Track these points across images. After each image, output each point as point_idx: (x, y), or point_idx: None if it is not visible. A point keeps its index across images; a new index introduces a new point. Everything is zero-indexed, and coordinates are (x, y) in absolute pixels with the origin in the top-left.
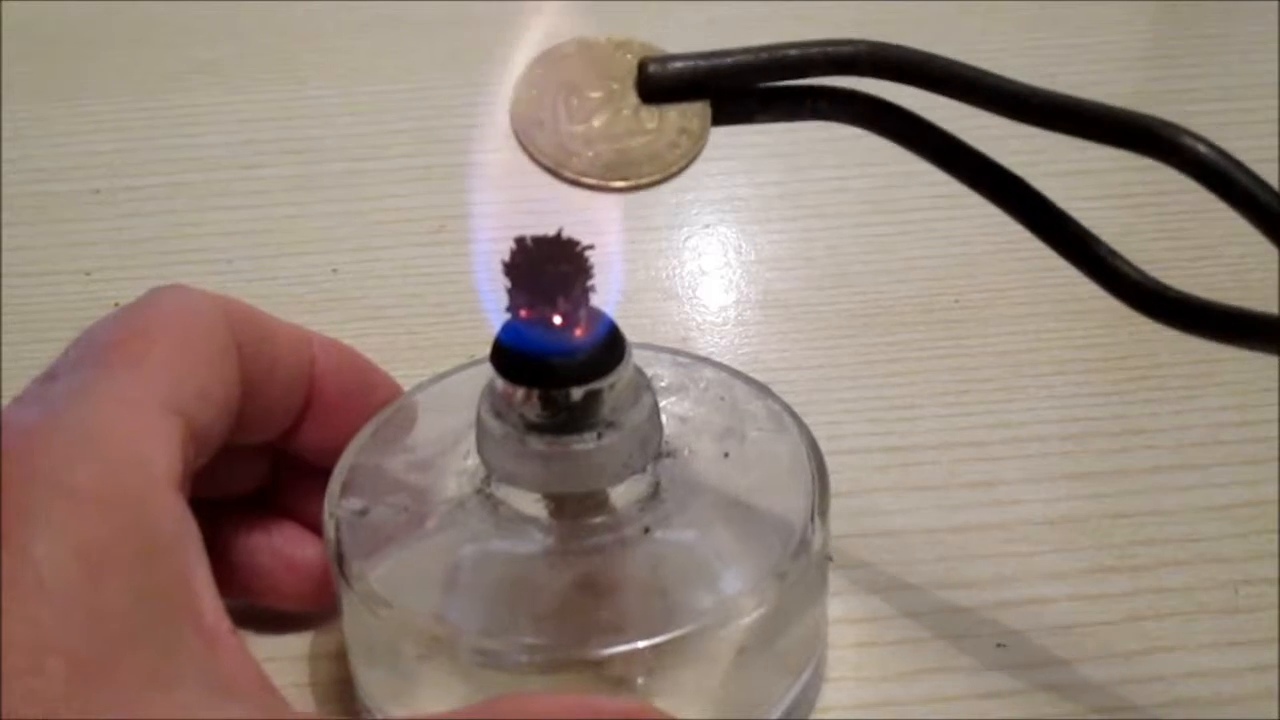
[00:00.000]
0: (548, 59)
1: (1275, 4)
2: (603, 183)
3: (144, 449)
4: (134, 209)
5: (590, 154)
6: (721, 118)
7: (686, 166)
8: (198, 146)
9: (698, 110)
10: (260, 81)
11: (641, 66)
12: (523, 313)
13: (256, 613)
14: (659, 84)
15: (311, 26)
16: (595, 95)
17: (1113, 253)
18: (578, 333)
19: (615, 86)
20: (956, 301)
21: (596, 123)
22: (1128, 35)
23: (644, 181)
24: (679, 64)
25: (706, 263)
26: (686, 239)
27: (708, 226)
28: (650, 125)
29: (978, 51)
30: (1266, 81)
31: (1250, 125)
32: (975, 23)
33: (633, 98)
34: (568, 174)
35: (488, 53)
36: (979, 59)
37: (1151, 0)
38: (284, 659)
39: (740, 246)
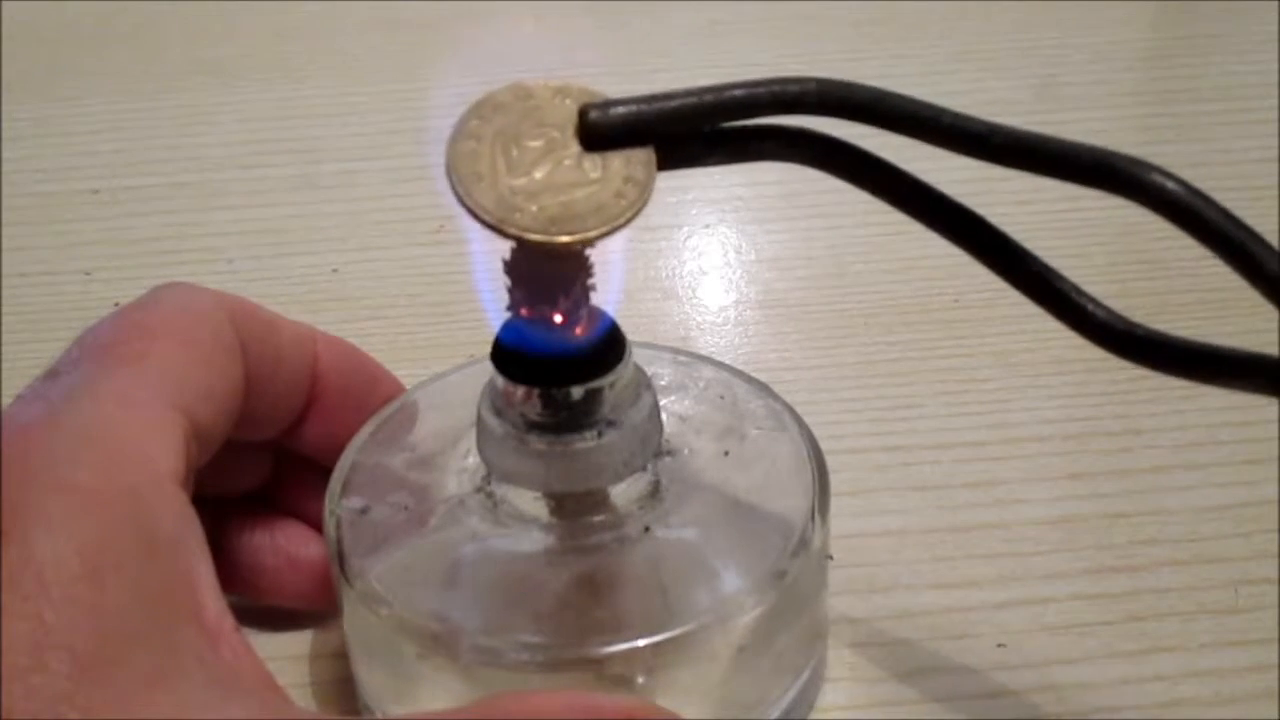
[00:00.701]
0: (484, 108)
1: (1275, 4)
2: (547, 238)
3: (146, 446)
4: (134, 209)
5: (534, 209)
6: (668, 162)
7: (634, 217)
8: (198, 146)
9: (642, 157)
10: (260, 81)
11: (582, 113)
12: (523, 311)
13: (257, 612)
14: (601, 131)
15: (311, 26)
16: (535, 145)
17: (1078, 290)
18: (578, 331)
19: (556, 134)
20: (956, 301)
21: (538, 175)
22: (1128, 35)
23: (591, 235)
24: (621, 109)
25: (706, 263)
26: (686, 239)
27: (708, 226)
28: (594, 174)
29: (978, 52)
30: (1266, 81)
31: (1250, 125)
32: (975, 23)
33: (574, 146)
34: (511, 230)
35: (488, 52)
36: (979, 59)
37: (1151, 0)
38: (285, 658)
39: (740, 246)
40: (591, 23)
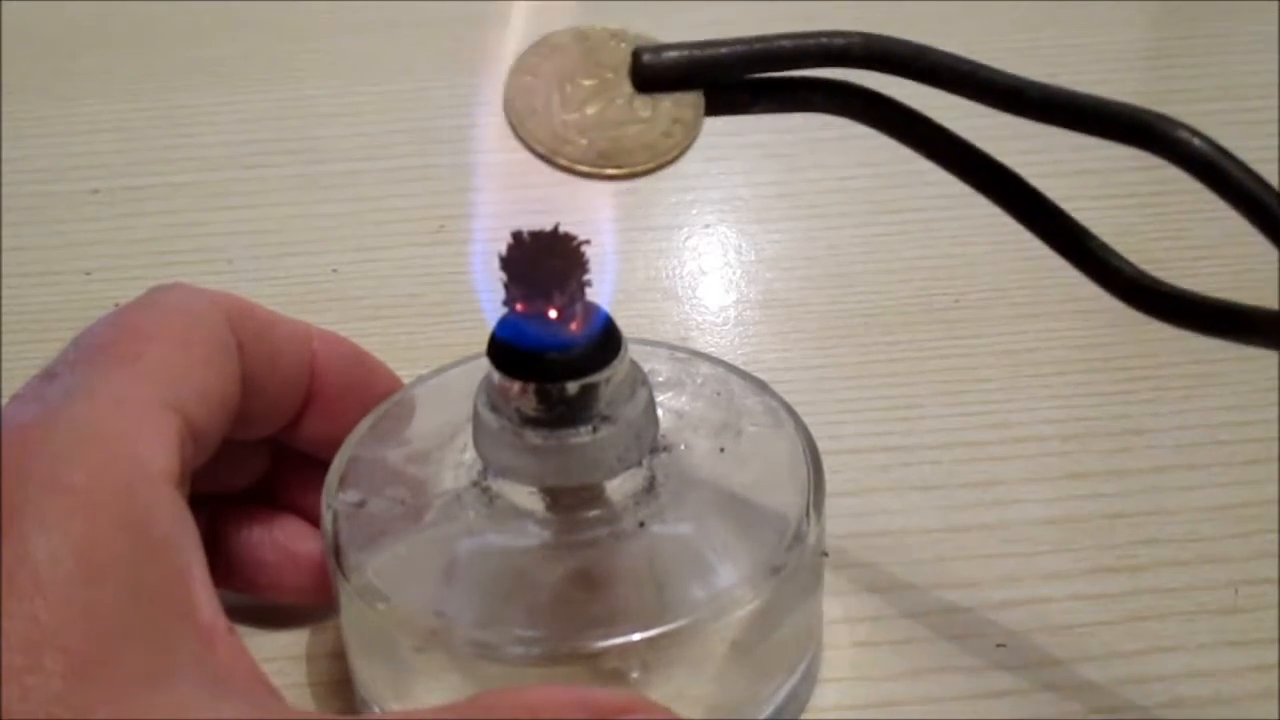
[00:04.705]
0: (542, 47)
1: (1275, 4)
2: (596, 170)
3: (141, 447)
4: (134, 209)
5: (584, 142)
6: (715, 108)
7: (680, 156)
8: (198, 146)
9: (691, 100)
10: (260, 81)
11: (636, 56)
12: (519, 307)
13: (255, 611)
14: (653, 73)
15: (311, 26)
16: (589, 83)
17: (1106, 248)
18: (573, 327)
19: (610, 75)
20: (956, 301)
21: (590, 111)
22: (1128, 35)
23: (638, 170)
24: (673, 54)
25: (706, 263)
26: (686, 239)
27: (708, 226)
28: (644, 114)
29: (978, 52)
30: (1266, 81)
31: (1250, 125)
32: (975, 23)
33: (627, 87)
34: (561, 161)
35: (487, 53)
36: (979, 59)
37: (1151, 0)
38: (282, 658)
39: (740, 246)
40: (592, 22)
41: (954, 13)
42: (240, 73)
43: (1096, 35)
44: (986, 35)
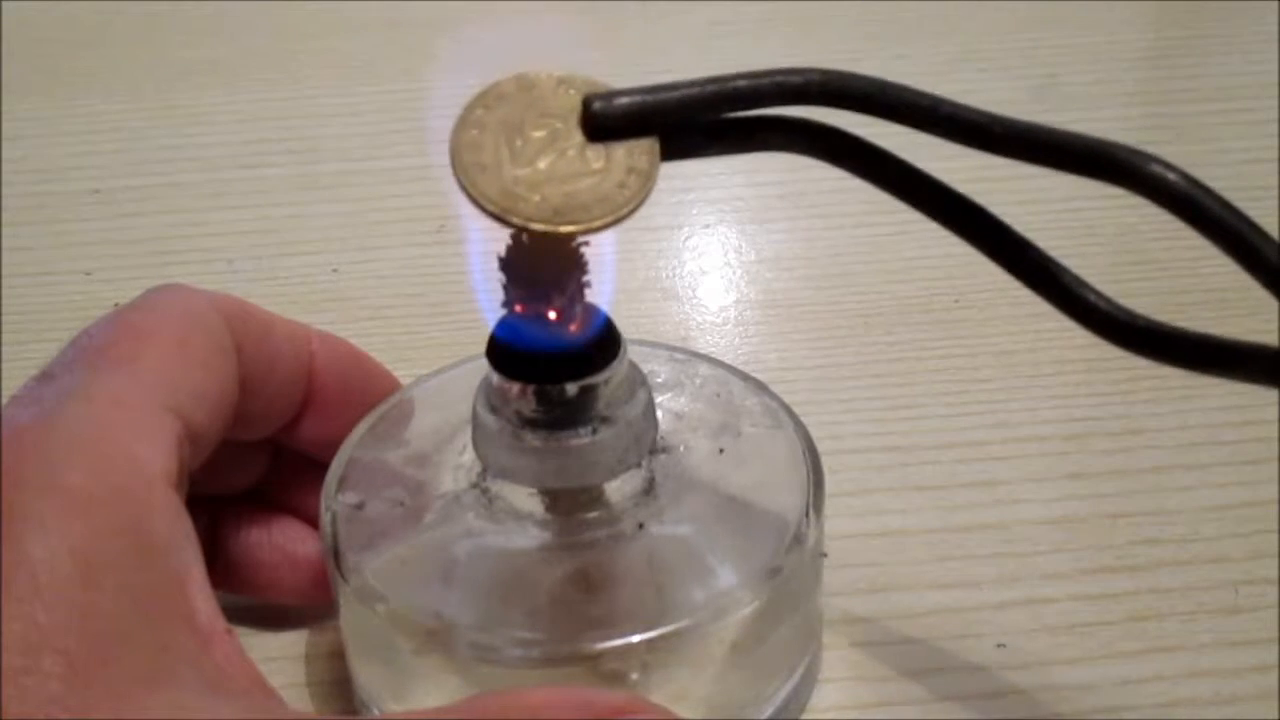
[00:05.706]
0: (486, 99)
1: (1275, 4)
2: (551, 228)
3: (139, 449)
4: (134, 209)
5: (537, 199)
6: (671, 153)
7: (637, 207)
8: (198, 146)
9: (645, 147)
10: (260, 81)
11: (586, 104)
12: (518, 308)
13: (253, 611)
14: (604, 121)
15: (311, 26)
16: (538, 135)
17: (1079, 281)
18: (573, 328)
19: (559, 125)
20: (956, 301)
21: (542, 165)
22: (1128, 35)
23: (594, 225)
24: (624, 100)
25: (706, 263)
26: (686, 239)
27: (708, 226)
28: (597, 165)
29: (978, 52)
30: (1266, 81)
31: (1250, 125)
32: (975, 23)
33: (577, 136)
34: (515, 220)
35: (488, 53)
36: (979, 59)
37: (1151, 0)
38: (280, 658)
39: (740, 246)
40: (591, 23)
41: (954, 13)
42: (240, 73)
43: (1096, 35)
44: (986, 35)
